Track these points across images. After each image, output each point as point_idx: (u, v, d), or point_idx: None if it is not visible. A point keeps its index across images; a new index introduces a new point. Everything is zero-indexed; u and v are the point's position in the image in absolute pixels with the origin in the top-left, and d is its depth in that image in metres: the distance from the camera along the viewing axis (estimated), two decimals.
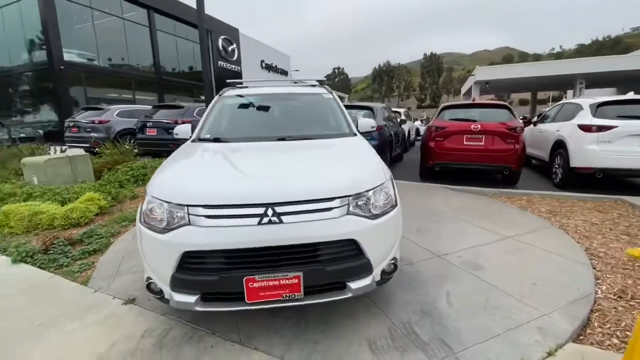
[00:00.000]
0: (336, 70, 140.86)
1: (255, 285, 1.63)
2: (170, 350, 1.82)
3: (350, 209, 1.74)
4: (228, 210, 1.65)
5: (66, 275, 2.75)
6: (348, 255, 1.72)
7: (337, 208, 1.71)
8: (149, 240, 1.72)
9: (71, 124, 9.44)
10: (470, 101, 6.34)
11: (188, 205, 1.67)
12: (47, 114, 15.83)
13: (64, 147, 8.68)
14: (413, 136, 13.59)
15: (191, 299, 1.66)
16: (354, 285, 1.75)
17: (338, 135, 2.80)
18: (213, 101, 3.28)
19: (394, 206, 1.93)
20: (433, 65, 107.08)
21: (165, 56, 20.21)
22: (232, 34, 26.13)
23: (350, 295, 1.76)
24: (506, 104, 6.01)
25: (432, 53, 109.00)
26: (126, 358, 1.77)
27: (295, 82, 3.91)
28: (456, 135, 5.76)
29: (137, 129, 8.54)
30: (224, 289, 1.65)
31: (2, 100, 16.95)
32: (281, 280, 1.64)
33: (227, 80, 3.90)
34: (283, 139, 2.63)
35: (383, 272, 1.89)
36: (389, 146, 7.05)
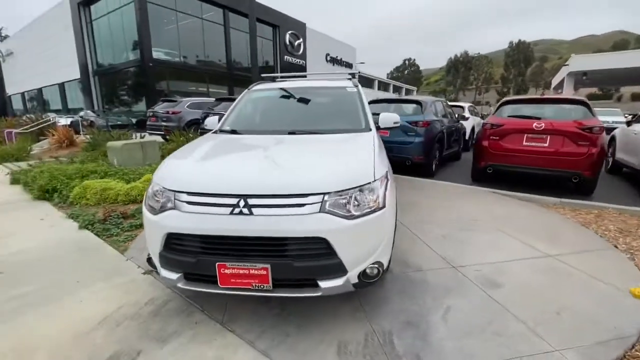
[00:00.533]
0: (406, 62, 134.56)
1: (227, 271, 1.70)
2: (161, 320, 2.02)
3: (326, 207, 1.69)
4: (205, 199, 1.75)
5: (112, 244, 3.22)
6: (318, 253, 1.68)
7: (309, 205, 1.68)
8: (146, 220, 1.92)
9: (151, 114, 10.85)
10: (538, 95, 5.50)
11: (175, 191, 1.82)
12: (139, 104, 18.46)
13: (143, 134, 10.06)
14: None
15: (174, 276, 1.82)
16: (325, 284, 1.71)
17: (350, 130, 2.72)
18: (241, 95, 3.46)
19: (380, 208, 1.81)
20: (520, 54, 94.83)
21: (237, 52, 21.74)
22: (299, 29, 26.83)
23: (320, 294, 1.73)
24: (583, 99, 5.06)
25: (519, 40, 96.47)
26: (126, 320, 2.02)
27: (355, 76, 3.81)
28: (514, 134, 5.08)
29: (201, 119, 9.42)
30: (199, 271, 1.77)
31: (109, 92, 20.29)
32: (250, 270, 1.69)
33: (262, 75, 4.05)
34: (293, 133, 2.65)
35: (364, 275, 1.80)
36: (439, 143, 6.54)
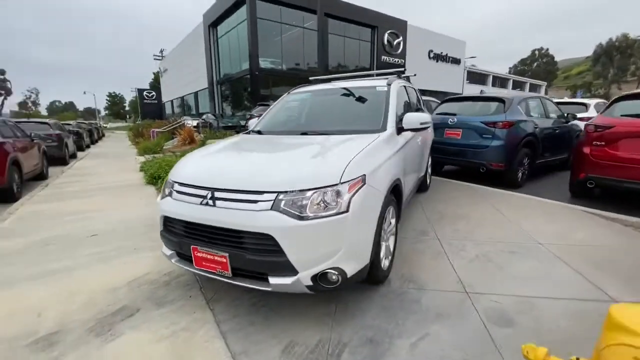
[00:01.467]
0: (536, 53, 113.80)
1: (199, 254, 1.93)
2: (168, 289, 2.41)
3: (281, 205, 1.73)
4: (187, 189, 2.01)
5: None
6: (267, 249, 1.73)
7: (262, 202, 1.75)
8: (156, 204, 2.32)
9: (249, 117, 12.38)
10: None
11: (173, 181, 2.15)
12: (249, 108, 21.21)
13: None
14: None
15: (168, 252, 2.16)
16: (274, 280, 1.76)
17: (361, 130, 2.61)
18: (281, 97, 3.71)
19: (341, 212, 1.74)
20: None
21: (334, 55, 22.59)
22: (399, 27, 26.01)
23: (270, 289, 1.79)
24: None
25: None
26: (146, 284, 2.49)
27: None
28: (629, 138, 3.86)
29: None
30: (182, 250, 2.05)
31: (227, 98, 24.00)
32: (215, 256, 1.87)
33: (310, 78, 4.22)
34: (305, 133, 2.74)
35: (320, 279, 1.77)
36: (529, 148, 5.46)
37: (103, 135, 29.09)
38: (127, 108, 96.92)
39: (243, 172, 1.99)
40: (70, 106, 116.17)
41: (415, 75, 4.35)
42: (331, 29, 21.95)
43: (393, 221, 2.56)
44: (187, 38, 29.98)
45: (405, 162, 2.89)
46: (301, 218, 1.70)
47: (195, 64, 26.99)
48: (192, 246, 1.94)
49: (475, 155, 5.37)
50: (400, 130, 2.80)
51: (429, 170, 5.05)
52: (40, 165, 7.61)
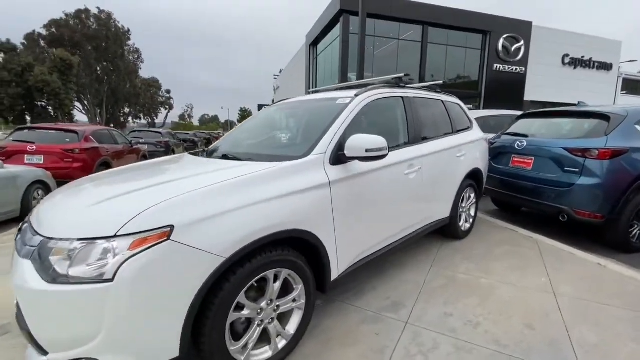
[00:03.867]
0: None
1: None
2: None
3: (43, 255, 1.29)
4: None
5: None
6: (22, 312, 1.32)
7: (30, 246, 1.36)
8: None
9: None
10: None
11: None
12: None
13: None
14: None
15: None
16: (28, 353, 1.35)
17: (273, 157, 1.96)
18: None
19: (101, 281, 1.20)
20: None
21: (433, 65, 20.68)
22: (521, 30, 22.05)
23: None
24: None
25: None
26: None
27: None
28: None
29: None
30: None
31: None
32: None
33: (310, 90, 3.67)
34: (226, 157, 2.25)
35: None
36: None
37: None
38: None
39: (53, 202, 1.66)
40: (215, 119, 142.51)
41: (442, 82, 3.27)
42: (431, 38, 20.21)
43: (300, 287, 1.80)
44: (294, 58, 32.73)
45: (351, 205, 2.05)
46: (53, 279, 1.23)
47: (297, 81, 29.06)
48: None
49: (551, 196, 3.70)
50: (340, 158, 1.99)
51: (469, 210, 3.73)
52: None
